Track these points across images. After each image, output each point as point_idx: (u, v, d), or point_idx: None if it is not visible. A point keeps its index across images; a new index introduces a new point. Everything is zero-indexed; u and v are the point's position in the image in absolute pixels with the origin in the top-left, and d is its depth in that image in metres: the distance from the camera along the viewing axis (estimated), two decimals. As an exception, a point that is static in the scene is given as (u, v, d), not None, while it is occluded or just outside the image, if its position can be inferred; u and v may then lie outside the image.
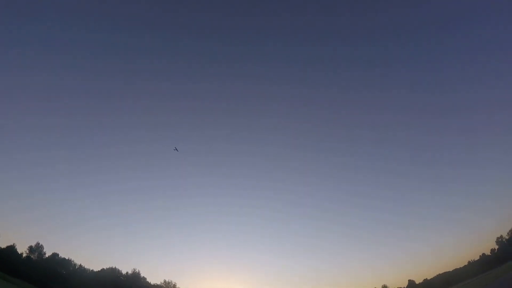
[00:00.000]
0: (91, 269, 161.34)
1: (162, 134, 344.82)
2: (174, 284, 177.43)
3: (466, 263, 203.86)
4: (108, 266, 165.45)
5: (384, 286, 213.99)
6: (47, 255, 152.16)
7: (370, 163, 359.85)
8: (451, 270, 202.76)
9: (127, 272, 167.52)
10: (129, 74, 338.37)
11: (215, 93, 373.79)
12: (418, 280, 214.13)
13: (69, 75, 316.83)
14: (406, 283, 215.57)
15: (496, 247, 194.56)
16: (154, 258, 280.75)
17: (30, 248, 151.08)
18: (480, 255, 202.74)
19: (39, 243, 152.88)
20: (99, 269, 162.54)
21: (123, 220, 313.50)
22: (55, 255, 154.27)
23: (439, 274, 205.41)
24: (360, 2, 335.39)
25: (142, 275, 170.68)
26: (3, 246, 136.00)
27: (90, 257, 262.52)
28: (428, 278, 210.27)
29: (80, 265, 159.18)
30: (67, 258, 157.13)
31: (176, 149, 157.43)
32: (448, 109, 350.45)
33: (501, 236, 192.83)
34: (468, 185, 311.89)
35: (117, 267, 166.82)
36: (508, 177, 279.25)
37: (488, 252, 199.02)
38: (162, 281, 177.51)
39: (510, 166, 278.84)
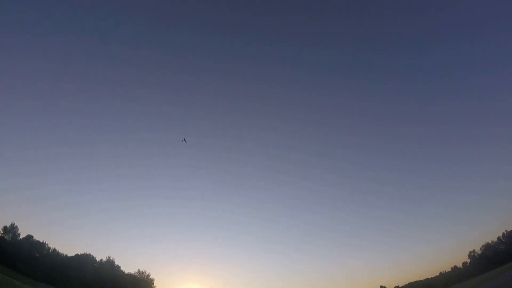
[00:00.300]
0: (65, 253, 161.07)
1: (154, 129, 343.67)
2: (148, 274, 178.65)
3: (437, 274, 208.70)
4: (83, 252, 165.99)
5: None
6: (21, 237, 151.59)
7: (360, 169, 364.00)
8: (422, 279, 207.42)
9: (101, 259, 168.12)
10: (128, 69, 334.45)
11: (214, 92, 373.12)
12: (389, 286, 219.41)
13: (68, 67, 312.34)
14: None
15: (468, 261, 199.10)
16: (131, 248, 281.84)
17: (5, 228, 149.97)
18: (452, 267, 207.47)
19: (13, 224, 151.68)
20: (73, 254, 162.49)
21: (103, 207, 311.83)
22: (29, 237, 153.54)
23: (411, 282, 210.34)
24: (363, 4, 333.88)
25: (116, 263, 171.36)
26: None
27: (65, 242, 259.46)
28: (400, 285, 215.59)
29: (54, 249, 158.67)
30: (41, 241, 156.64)
31: (185, 140, 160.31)
32: (438, 117, 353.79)
33: (474, 251, 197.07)
34: (447, 196, 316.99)
35: (91, 254, 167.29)
36: (488, 190, 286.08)
37: (460, 265, 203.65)
38: (136, 271, 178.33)
39: (492, 179, 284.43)
